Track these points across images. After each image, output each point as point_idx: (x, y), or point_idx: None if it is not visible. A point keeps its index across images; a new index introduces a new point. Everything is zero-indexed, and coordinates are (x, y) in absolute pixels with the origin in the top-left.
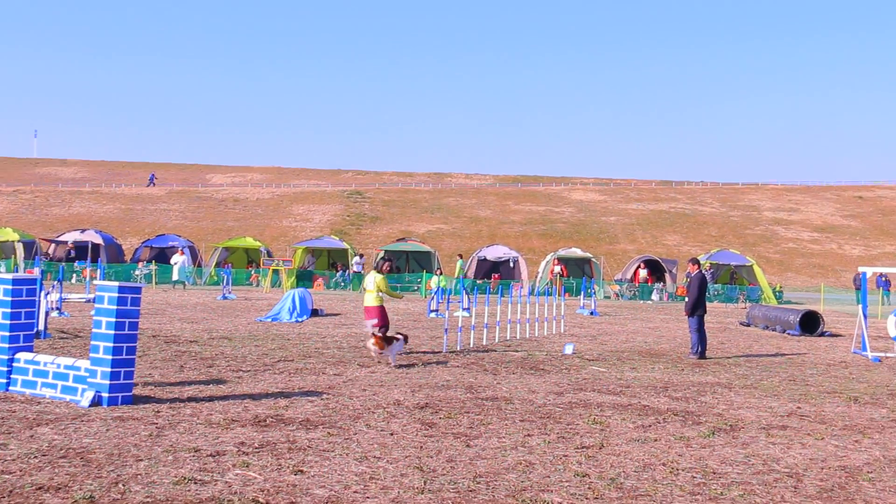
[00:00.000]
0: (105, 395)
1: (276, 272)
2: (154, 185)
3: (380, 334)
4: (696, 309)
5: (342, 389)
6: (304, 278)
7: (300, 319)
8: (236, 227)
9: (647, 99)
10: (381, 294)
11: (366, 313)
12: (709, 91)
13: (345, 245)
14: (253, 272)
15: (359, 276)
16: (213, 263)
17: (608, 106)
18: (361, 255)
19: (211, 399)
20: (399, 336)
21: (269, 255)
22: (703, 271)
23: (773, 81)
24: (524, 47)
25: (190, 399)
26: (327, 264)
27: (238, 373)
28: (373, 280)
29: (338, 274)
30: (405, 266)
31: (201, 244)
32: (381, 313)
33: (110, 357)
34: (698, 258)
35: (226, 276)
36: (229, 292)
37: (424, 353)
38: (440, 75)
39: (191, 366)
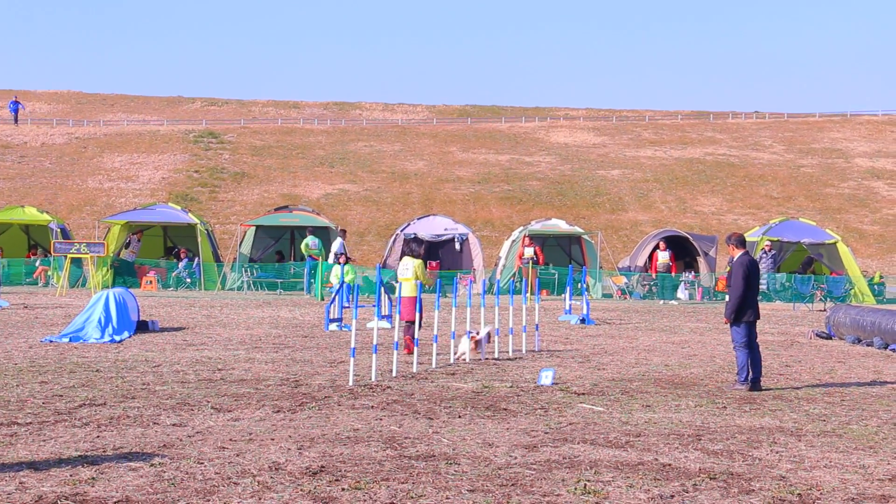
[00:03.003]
0: None
1: (76, 263)
2: (17, 119)
3: (476, 336)
4: (743, 313)
5: (186, 449)
6: (124, 272)
7: (118, 338)
8: (8, 189)
9: None
10: (417, 282)
11: (402, 306)
12: None
13: (192, 218)
14: (38, 263)
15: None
16: None
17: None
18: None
19: None
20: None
21: (66, 235)
22: (762, 254)
23: None
24: None
25: None
26: (163, 249)
27: (11, 427)
28: (411, 266)
29: (181, 264)
30: (289, 250)
31: None
32: (418, 306)
33: None
34: (745, 234)
35: None
36: None
37: (320, 386)
38: None
39: None
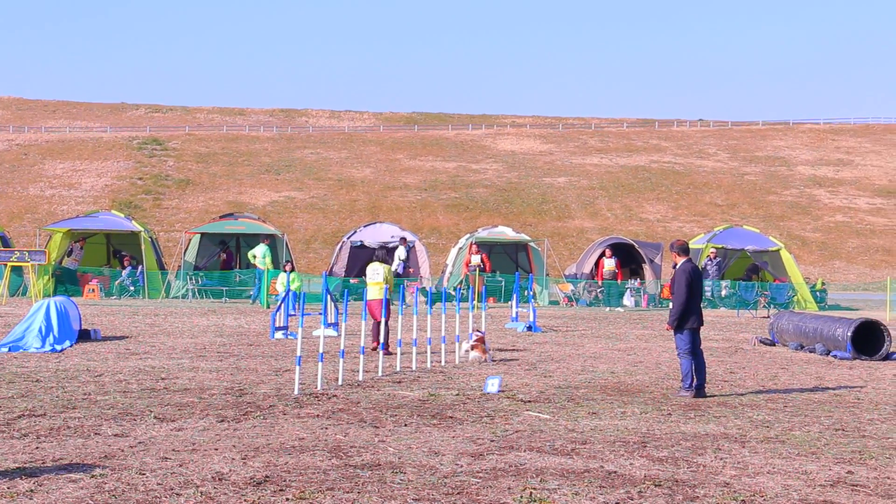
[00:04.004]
0: None
1: (17, 271)
2: None
3: (479, 341)
4: (686, 319)
5: (128, 459)
6: (66, 281)
7: (59, 348)
8: None
9: None
10: (385, 286)
11: (370, 308)
12: None
13: (135, 226)
14: None
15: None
16: None
17: (555, 6)
18: (406, 242)
19: None
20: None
21: (6, 243)
22: (708, 261)
23: None
24: None
25: None
26: (106, 257)
27: None
28: (381, 270)
29: (124, 272)
30: (235, 256)
31: None
32: (387, 307)
33: None
34: (690, 242)
35: None
36: None
37: (265, 395)
38: None
39: None
